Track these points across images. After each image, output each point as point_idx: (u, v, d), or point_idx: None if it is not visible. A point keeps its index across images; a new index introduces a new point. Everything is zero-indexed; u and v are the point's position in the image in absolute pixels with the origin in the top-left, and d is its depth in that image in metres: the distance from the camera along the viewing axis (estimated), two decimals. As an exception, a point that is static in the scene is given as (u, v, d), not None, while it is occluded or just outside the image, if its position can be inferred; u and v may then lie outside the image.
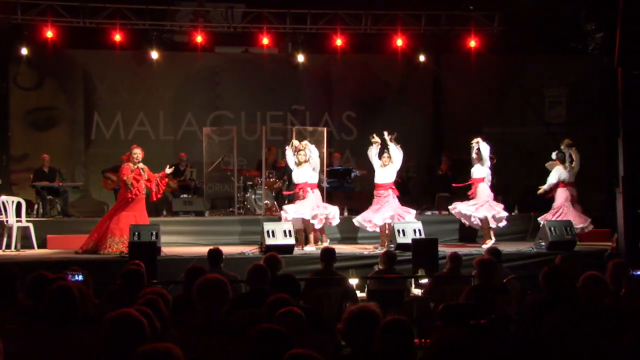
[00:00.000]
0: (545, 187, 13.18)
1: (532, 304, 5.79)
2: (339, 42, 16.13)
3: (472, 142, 12.75)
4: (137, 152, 11.91)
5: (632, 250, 9.98)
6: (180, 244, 12.98)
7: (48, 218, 13.99)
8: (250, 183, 15.22)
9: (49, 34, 15.23)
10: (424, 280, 9.20)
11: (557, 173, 13.11)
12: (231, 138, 15.57)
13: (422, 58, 16.81)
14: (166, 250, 11.65)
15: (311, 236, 12.19)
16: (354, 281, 9.01)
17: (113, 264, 10.57)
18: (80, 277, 6.17)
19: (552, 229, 11.96)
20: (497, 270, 7.71)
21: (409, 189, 16.08)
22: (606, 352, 4.11)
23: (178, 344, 3.57)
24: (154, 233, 11.20)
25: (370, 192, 12.87)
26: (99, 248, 11.55)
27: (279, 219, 12.42)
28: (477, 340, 3.29)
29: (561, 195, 13.05)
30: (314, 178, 12.41)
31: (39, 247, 12.55)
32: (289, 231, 11.53)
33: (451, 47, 17.09)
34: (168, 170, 12.39)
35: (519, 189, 14.35)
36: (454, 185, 13.64)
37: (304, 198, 12.25)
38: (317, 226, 12.16)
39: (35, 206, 14.41)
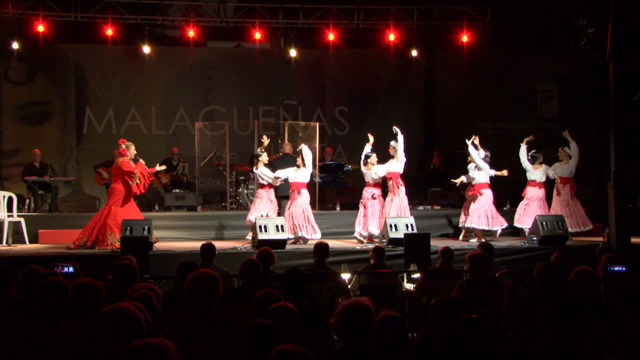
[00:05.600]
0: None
1: (524, 299, 5.80)
2: (331, 36, 16.11)
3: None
4: (133, 147, 11.99)
5: (624, 245, 10.00)
6: (172, 238, 12.97)
7: (40, 213, 13.96)
8: (243, 178, 15.20)
9: (40, 28, 15.16)
10: (416, 275, 9.21)
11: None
12: (223, 133, 15.56)
13: (414, 53, 16.82)
14: (158, 245, 11.64)
15: None
16: (346, 276, 9.00)
17: (105, 259, 10.56)
18: (71, 269, 6.16)
19: (544, 223, 11.96)
20: (489, 265, 7.72)
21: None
22: (596, 346, 4.12)
23: (169, 338, 3.56)
24: (147, 228, 11.18)
25: (362, 188, 12.88)
26: (96, 244, 11.52)
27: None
28: (465, 332, 3.29)
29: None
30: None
31: (30, 242, 12.53)
32: (281, 226, 11.53)
33: (443, 42, 17.11)
34: (159, 168, 12.55)
35: (511, 184, 14.36)
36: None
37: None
38: None
39: (27, 201, 14.37)
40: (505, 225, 12.71)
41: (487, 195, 12.63)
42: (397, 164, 12.44)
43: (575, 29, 19.03)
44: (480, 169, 12.64)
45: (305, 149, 12.42)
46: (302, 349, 3.43)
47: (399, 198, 12.41)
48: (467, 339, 3.21)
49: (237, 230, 13.35)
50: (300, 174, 12.37)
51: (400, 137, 12.37)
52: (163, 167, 13.11)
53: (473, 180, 12.78)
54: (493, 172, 12.82)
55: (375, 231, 12.41)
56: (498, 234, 12.61)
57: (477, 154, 12.61)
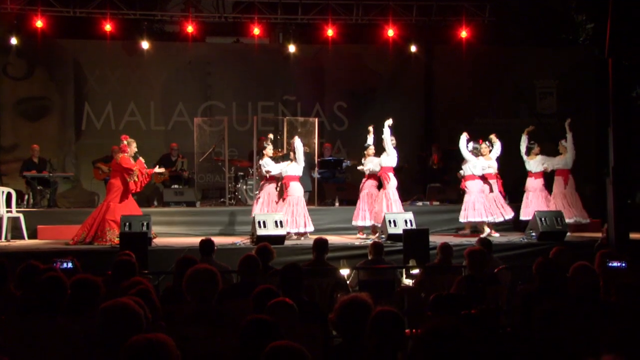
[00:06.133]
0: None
1: (523, 294, 5.81)
2: (330, 32, 16.07)
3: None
4: (134, 144, 11.99)
5: (622, 241, 10.00)
6: (171, 234, 12.97)
7: (38, 208, 13.95)
8: (242, 173, 15.21)
9: (39, 23, 15.10)
10: (415, 271, 9.21)
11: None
12: (222, 128, 15.55)
13: (413, 48, 16.80)
14: (157, 240, 11.64)
15: None
16: (345, 271, 9.00)
17: (104, 254, 10.56)
18: (70, 265, 6.16)
19: (543, 219, 11.97)
20: (487, 261, 7.73)
21: (400, 179, 16.09)
22: (595, 341, 4.13)
23: (168, 334, 3.56)
24: (145, 223, 11.19)
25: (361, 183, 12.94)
26: (95, 240, 11.51)
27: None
28: (466, 328, 3.29)
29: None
30: None
31: (29, 238, 12.53)
32: (280, 222, 11.53)
33: (442, 37, 17.09)
34: (158, 170, 12.66)
35: (510, 180, 14.36)
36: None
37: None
38: None
39: (26, 197, 14.36)
40: (483, 220, 12.73)
41: (472, 188, 12.70)
42: (387, 158, 12.50)
43: (574, 25, 18.99)
44: (466, 162, 12.77)
45: (297, 142, 12.38)
46: (296, 344, 3.42)
47: (386, 192, 12.44)
48: (468, 336, 3.21)
49: (236, 226, 13.36)
50: (291, 168, 12.36)
51: (386, 130, 12.38)
52: (162, 170, 13.24)
53: (464, 174, 12.90)
54: (486, 165, 12.84)
55: (360, 223, 12.49)
56: (487, 233, 12.56)
57: (464, 146, 12.70)
